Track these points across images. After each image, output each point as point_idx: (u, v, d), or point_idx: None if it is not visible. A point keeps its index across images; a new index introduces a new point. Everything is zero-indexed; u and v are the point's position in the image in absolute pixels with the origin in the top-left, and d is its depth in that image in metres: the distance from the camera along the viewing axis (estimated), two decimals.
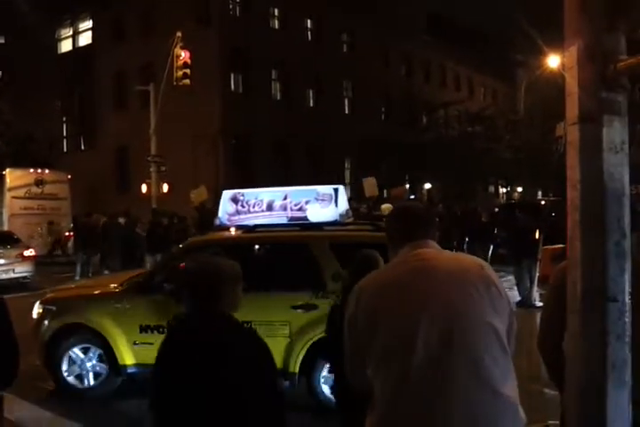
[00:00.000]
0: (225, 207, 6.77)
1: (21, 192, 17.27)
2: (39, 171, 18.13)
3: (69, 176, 18.96)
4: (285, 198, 6.50)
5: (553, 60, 22.53)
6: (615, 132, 2.29)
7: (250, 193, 6.89)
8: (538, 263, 10.35)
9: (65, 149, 31.82)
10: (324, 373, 4.91)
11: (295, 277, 5.32)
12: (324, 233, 5.57)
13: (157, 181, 19.78)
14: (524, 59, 32.90)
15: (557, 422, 3.61)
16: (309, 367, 4.99)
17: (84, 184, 22.95)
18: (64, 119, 32.13)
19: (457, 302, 1.92)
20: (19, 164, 21.40)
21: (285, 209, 6.06)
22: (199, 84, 19.43)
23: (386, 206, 12.46)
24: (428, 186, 32.31)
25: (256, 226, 5.86)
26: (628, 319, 2.22)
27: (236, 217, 6.31)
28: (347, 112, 31.10)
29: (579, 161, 2.33)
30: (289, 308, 5.03)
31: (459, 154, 27.31)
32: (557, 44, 16.62)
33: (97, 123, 29.17)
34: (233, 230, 5.96)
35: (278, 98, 27.34)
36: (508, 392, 1.89)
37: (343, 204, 6.10)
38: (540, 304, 8.01)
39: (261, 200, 6.53)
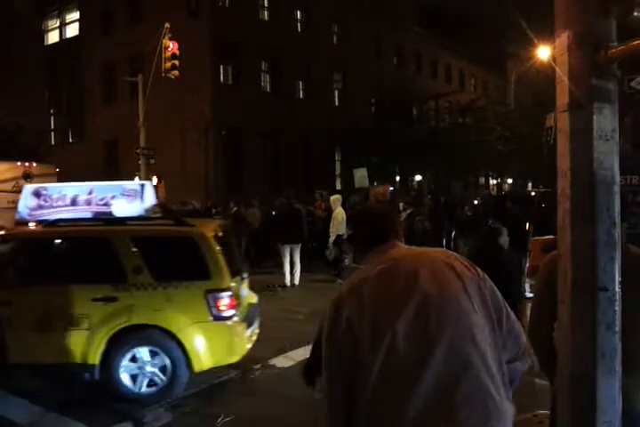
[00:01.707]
0: (26, 202, 7.00)
1: (9, 186, 17.05)
2: (27, 164, 17.92)
3: (58, 169, 18.78)
4: (91, 193, 6.75)
5: (543, 52, 22.54)
6: (606, 120, 2.27)
7: (53, 187, 7.17)
8: (528, 255, 10.38)
9: (53, 142, 31.55)
10: (124, 362, 5.09)
11: (96, 270, 5.40)
12: (125, 228, 5.72)
13: (147, 173, 19.63)
14: (515, 50, 32.95)
15: (546, 411, 3.63)
16: (110, 358, 5.09)
17: (73, 177, 22.73)
18: (52, 111, 31.84)
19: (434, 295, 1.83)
20: (6, 157, 21.20)
21: (90, 204, 6.26)
22: (188, 75, 19.28)
23: (335, 197, 12.37)
24: (418, 178, 32.34)
25: (58, 220, 5.97)
26: (617, 309, 2.21)
27: (39, 211, 6.48)
28: (337, 103, 31.01)
29: (569, 149, 2.31)
30: (89, 300, 5.13)
31: (449, 145, 27.32)
32: (548, 35, 16.67)
33: (85, 115, 28.94)
34: (32, 225, 6.09)
35: (268, 89, 27.19)
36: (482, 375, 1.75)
37: (150, 199, 6.33)
38: (531, 295, 8.05)
39: (65, 195, 6.75)
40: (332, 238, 11.79)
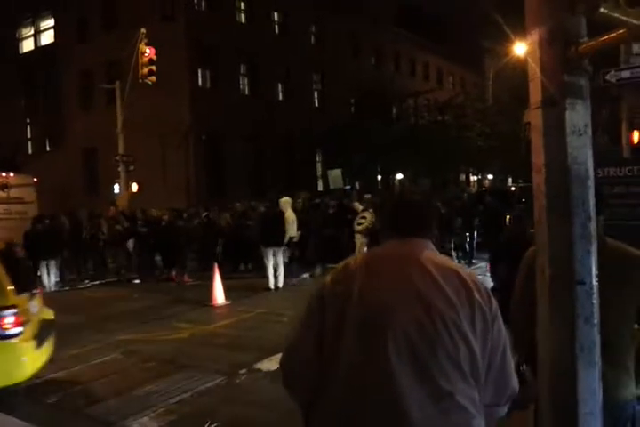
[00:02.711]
0: None
1: None
2: (4, 175, 17.68)
3: (35, 179, 18.55)
4: None
5: (519, 48, 22.74)
6: (578, 116, 2.29)
7: None
8: None
9: (30, 151, 31.15)
10: None
11: None
12: None
13: (126, 180, 19.48)
14: (492, 46, 33.20)
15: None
16: None
17: (52, 186, 22.51)
18: (28, 120, 31.42)
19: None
20: None
21: None
22: (166, 80, 19.16)
23: (285, 200, 12.44)
24: (399, 176, 32.45)
25: None
26: (595, 301, 2.23)
27: None
28: (317, 105, 31.03)
29: (543, 145, 2.32)
30: None
31: (429, 142, 27.46)
32: (523, 31, 16.76)
33: (62, 123, 28.59)
34: None
35: (247, 92, 27.12)
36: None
37: None
38: None
39: None
40: (285, 240, 11.90)
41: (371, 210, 12.41)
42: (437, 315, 1.75)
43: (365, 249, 11.88)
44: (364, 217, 12.07)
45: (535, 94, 2.41)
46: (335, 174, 17.37)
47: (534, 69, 2.40)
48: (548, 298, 2.30)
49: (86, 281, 13.76)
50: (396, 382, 1.70)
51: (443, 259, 1.95)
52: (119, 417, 4.88)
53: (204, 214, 15.23)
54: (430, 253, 1.93)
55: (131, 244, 13.97)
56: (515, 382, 1.90)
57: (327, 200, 14.96)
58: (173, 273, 13.31)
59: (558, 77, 2.30)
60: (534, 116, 2.43)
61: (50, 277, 12.84)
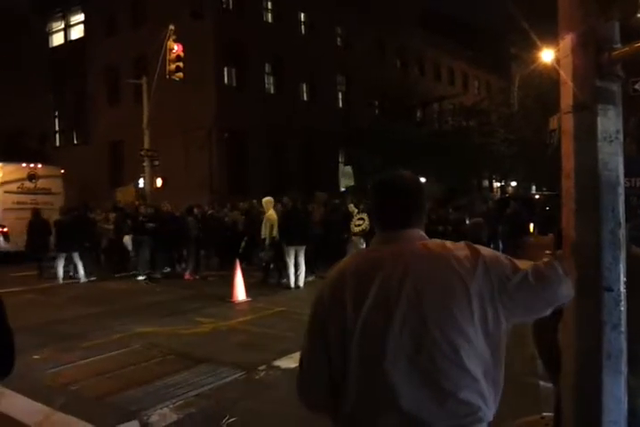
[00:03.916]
0: None
1: (14, 187, 17.17)
2: (32, 165, 18.03)
3: (62, 171, 18.87)
4: None
5: (547, 54, 22.55)
6: (610, 122, 2.29)
7: None
8: None
9: (58, 144, 31.65)
10: None
11: None
12: None
13: (151, 175, 19.70)
14: (518, 52, 32.92)
15: (552, 414, 3.63)
16: None
17: (78, 178, 22.85)
18: (56, 113, 31.93)
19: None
20: (11, 158, 21.28)
21: None
22: (192, 77, 19.35)
23: (267, 199, 12.24)
24: (422, 180, 32.30)
25: None
26: (623, 309, 2.22)
27: None
28: (340, 106, 31.06)
29: (573, 150, 2.32)
30: None
31: (453, 148, 27.31)
32: (551, 37, 16.63)
33: (89, 117, 29.02)
34: None
35: (272, 91, 27.26)
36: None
37: None
38: None
39: None
40: (267, 240, 11.89)
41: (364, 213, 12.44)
42: (433, 314, 1.71)
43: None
44: (361, 218, 12.05)
45: (566, 99, 2.41)
46: (345, 171, 17.41)
47: (566, 73, 2.40)
48: (575, 304, 2.30)
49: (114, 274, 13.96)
50: (398, 388, 1.69)
51: (435, 247, 1.81)
52: (140, 407, 4.96)
53: (209, 212, 15.32)
54: (422, 243, 1.81)
55: (129, 240, 13.76)
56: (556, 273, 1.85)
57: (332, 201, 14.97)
58: (187, 273, 13.41)
59: (590, 82, 2.30)
60: (565, 121, 2.43)
61: (78, 269, 13.07)
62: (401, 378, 1.69)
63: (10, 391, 5.05)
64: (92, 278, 13.24)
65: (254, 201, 15.09)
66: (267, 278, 12.25)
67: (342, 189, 19.93)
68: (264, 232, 11.89)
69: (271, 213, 11.94)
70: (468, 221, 13.36)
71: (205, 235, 13.88)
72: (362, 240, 12.02)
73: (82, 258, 13.36)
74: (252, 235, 12.99)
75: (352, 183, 17.58)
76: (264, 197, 12.45)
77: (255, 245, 13.16)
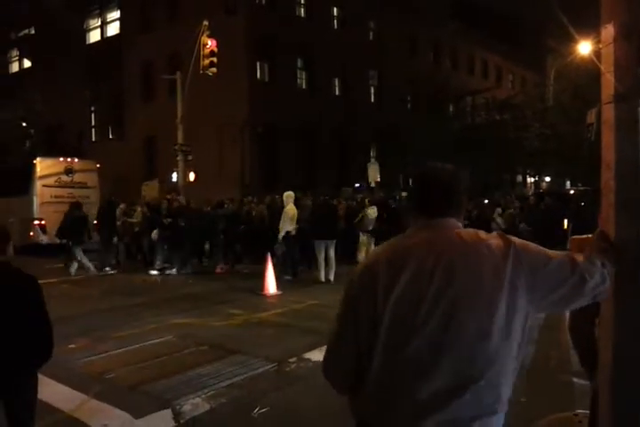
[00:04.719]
0: None
1: (52, 180, 17.57)
2: (69, 160, 18.41)
3: (98, 165, 19.21)
4: None
5: (584, 47, 22.07)
6: None
7: None
8: None
9: (94, 139, 32.23)
10: None
11: None
12: None
13: (184, 169, 19.92)
14: (555, 45, 32.29)
15: (586, 411, 3.58)
16: None
17: (112, 173, 23.25)
18: (93, 109, 32.51)
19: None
20: (49, 153, 21.74)
21: None
22: (226, 72, 19.48)
23: (288, 194, 12.22)
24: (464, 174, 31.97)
25: None
26: None
27: None
28: (372, 100, 30.92)
29: (614, 141, 2.28)
30: None
31: (486, 142, 26.96)
32: (588, 29, 16.30)
33: (125, 112, 29.49)
34: None
35: (304, 86, 27.29)
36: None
37: None
38: None
39: None
40: (281, 234, 11.88)
41: (368, 208, 12.39)
42: (463, 300, 1.71)
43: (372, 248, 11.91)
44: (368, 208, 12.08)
45: (607, 89, 2.36)
46: (372, 168, 17.43)
47: (607, 63, 2.35)
48: (613, 297, 2.26)
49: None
50: (421, 373, 1.71)
51: (469, 235, 1.83)
52: (173, 396, 5.04)
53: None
54: (457, 232, 1.84)
55: (155, 235, 13.69)
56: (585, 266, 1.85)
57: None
58: (218, 266, 13.52)
59: (632, 73, 2.25)
60: (605, 111, 2.38)
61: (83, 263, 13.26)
62: (425, 364, 1.71)
63: (47, 379, 5.17)
64: (112, 272, 13.47)
65: (277, 196, 15.15)
66: (286, 268, 12.08)
67: (372, 185, 19.95)
68: (280, 226, 11.92)
69: (290, 208, 11.95)
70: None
71: (233, 229, 13.95)
72: (372, 239, 12.00)
73: (107, 251, 13.75)
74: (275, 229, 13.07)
75: (378, 179, 17.58)
76: (295, 191, 12.49)
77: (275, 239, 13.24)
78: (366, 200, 13.76)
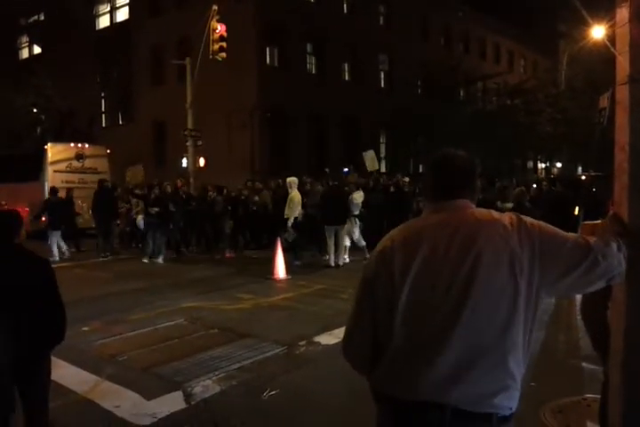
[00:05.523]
0: None
1: (62, 166, 17.65)
2: (79, 145, 18.47)
3: (109, 150, 19.26)
4: None
5: (597, 31, 21.76)
6: None
7: None
8: None
9: (104, 124, 32.26)
10: None
11: None
12: None
13: (193, 155, 19.92)
14: (567, 30, 31.87)
15: (595, 395, 3.59)
16: None
17: (123, 158, 23.28)
18: (103, 94, 32.50)
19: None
20: (59, 138, 21.81)
21: None
22: (235, 57, 19.36)
23: (291, 179, 12.06)
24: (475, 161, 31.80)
25: None
26: None
27: None
28: (382, 85, 30.69)
29: (628, 122, 2.25)
30: None
31: (498, 127, 26.74)
32: (601, 13, 16.05)
33: (135, 97, 29.45)
34: None
35: (314, 71, 27.11)
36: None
37: None
38: None
39: None
40: (290, 221, 11.74)
41: (360, 191, 12.34)
42: (478, 278, 1.75)
43: (357, 232, 11.93)
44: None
45: (622, 70, 2.33)
46: (370, 156, 17.31)
47: (622, 43, 2.32)
48: (625, 281, 2.25)
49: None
50: (438, 349, 1.75)
51: (482, 214, 1.88)
52: (184, 378, 5.09)
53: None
54: (470, 211, 1.89)
55: (142, 222, 13.60)
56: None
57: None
58: (227, 251, 13.56)
59: None
60: (620, 92, 2.35)
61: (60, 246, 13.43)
62: (441, 339, 1.75)
63: (60, 361, 5.24)
64: (105, 258, 13.51)
65: (279, 181, 15.03)
66: (297, 255, 12.01)
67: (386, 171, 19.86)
68: (287, 212, 11.81)
69: (295, 194, 11.87)
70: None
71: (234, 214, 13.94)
72: (357, 222, 11.94)
73: (106, 237, 13.88)
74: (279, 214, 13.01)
75: (376, 167, 17.49)
76: (305, 176, 12.43)
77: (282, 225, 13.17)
78: (351, 184, 13.56)
